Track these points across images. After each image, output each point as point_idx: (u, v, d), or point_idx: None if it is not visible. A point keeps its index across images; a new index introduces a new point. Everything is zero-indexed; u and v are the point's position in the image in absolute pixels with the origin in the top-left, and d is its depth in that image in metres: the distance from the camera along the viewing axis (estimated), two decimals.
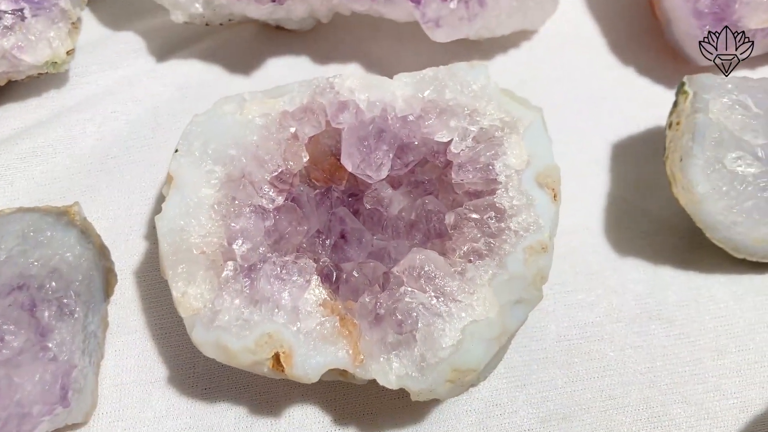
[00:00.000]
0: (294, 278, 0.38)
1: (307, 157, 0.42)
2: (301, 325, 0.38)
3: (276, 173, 0.41)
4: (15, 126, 0.52)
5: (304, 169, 0.43)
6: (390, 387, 0.37)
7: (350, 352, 0.37)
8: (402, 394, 0.40)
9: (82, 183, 0.50)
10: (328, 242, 0.41)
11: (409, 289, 0.38)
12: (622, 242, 0.49)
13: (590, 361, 0.45)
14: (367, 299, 0.38)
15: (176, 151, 0.43)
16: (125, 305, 0.46)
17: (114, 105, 0.53)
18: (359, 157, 0.41)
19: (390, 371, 0.37)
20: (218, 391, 0.44)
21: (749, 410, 0.44)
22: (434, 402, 0.43)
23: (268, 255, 0.39)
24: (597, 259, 0.48)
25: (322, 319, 0.38)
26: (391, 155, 0.41)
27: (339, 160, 0.43)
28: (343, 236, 0.40)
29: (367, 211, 0.42)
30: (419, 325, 0.37)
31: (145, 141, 0.51)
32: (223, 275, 0.38)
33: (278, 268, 0.38)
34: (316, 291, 0.39)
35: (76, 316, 0.40)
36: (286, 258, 0.39)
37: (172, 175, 0.41)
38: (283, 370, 0.37)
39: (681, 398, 0.44)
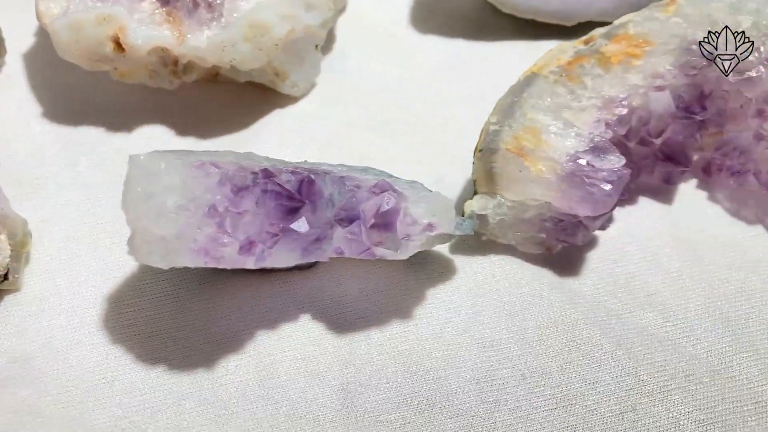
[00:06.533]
0: None
1: None
2: (135, 15, 0.49)
3: None
4: None
5: None
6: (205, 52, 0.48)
7: (175, 34, 0.49)
8: None
9: None
10: None
11: None
12: None
13: None
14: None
15: None
16: None
17: None
18: None
19: (202, 35, 0.49)
20: None
21: None
22: None
23: None
24: None
25: (153, 11, 0.50)
26: None
27: None
28: None
29: None
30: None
31: None
32: None
33: None
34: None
35: None
36: None
37: None
38: (122, 51, 0.49)
39: None
